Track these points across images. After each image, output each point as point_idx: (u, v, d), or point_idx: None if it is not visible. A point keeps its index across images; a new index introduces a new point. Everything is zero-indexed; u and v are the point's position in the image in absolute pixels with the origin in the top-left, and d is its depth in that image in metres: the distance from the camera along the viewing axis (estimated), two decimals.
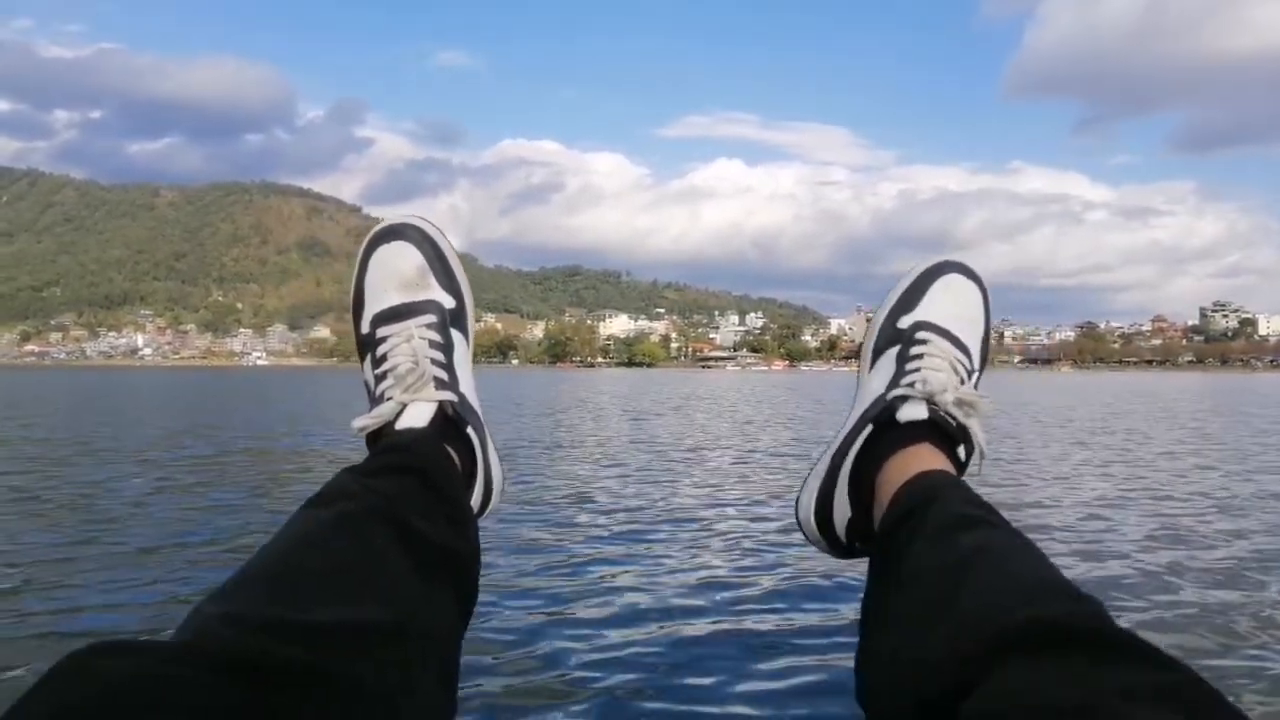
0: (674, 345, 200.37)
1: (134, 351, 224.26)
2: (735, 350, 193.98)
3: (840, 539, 0.84)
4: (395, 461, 0.72)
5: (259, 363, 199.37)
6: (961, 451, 0.81)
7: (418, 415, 0.81)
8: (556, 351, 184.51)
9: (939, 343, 0.86)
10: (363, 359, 0.88)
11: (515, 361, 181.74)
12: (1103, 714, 0.40)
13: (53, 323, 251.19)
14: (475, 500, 0.84)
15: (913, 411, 0.80)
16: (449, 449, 0.80)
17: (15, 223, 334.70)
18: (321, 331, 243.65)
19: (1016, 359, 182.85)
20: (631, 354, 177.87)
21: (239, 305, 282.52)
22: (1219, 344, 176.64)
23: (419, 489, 0.69)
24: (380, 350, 0.85)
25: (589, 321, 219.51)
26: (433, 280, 0.88)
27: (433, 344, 0.84)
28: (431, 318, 0.85)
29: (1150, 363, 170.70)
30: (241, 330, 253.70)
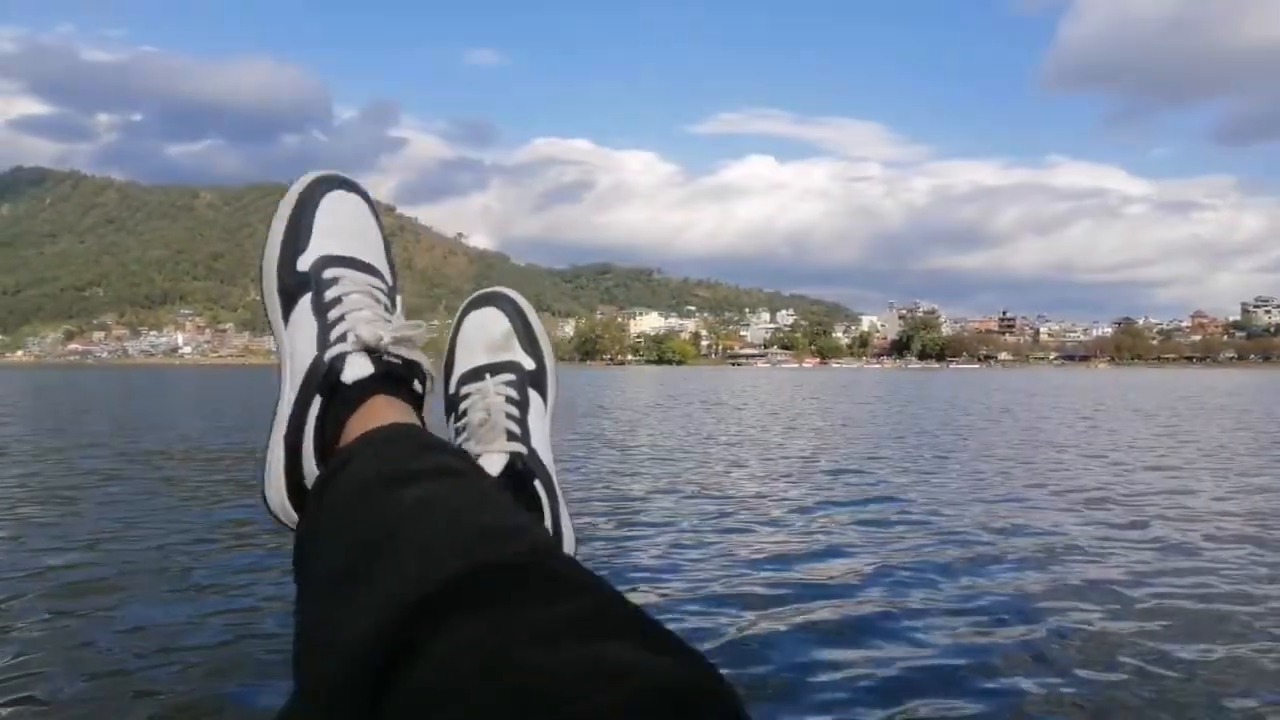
0: (704, 343, 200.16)
1: (174, 350, 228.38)
2: (766, 348, 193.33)
3: None
4: None
5: None
6: (418, 384, 0.78)
7: (488, 466, 0.82)
8: (587, 349, 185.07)
9: (351, 275, 0.80)
10: (448, 417, 0.92)
11: None
12: (511, 666, 0.39)
13: (95, 322, 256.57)
14: None
15: (358, 369, 0.73)
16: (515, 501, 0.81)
17: (59, 224, 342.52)
18: None
19: (1052, 355, 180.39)
20: (661, 351, 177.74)
21: None
22: (1261, 340, 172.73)
23: None
24: (462, 406, 0.90)
25: (619, 319, 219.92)
26: (516, 344, 0.92)
27: (509, 399, 0.86)
28: (510, 376, 0.89)
29: (1190, 359, 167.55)
30: None
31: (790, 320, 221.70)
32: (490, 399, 0.86)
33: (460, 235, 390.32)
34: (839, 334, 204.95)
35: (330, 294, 0.77)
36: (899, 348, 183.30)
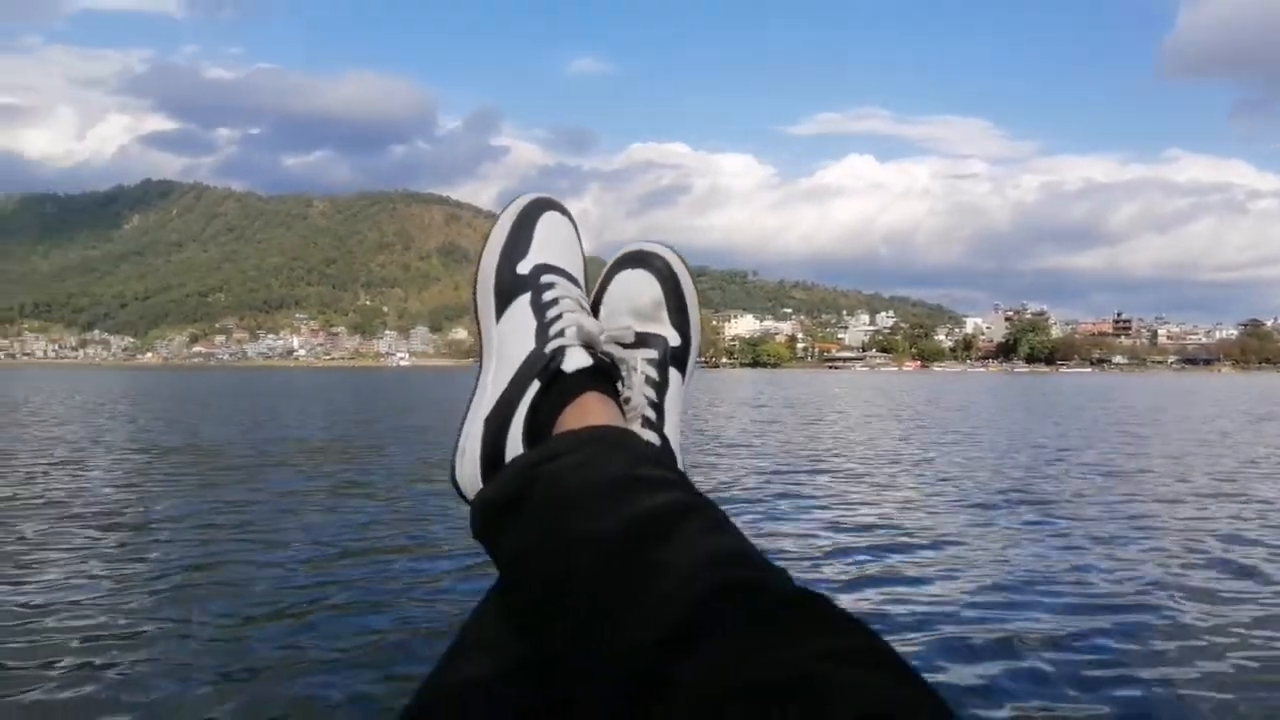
0: (800, 345, 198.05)
1: (290, 352, 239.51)
2: (864, 350, 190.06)
3: None
4: None
5: (401, 363, 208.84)
6: (621, 387, 0.82)
7: None
8: None
9: (565, 284, 0.84)
10: None
11: None
12: (816, 681, 0.41)
13: (217, 325, 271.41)
14: None
15: (578, 360, 0.77)
16: None
17: (184, 233, 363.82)
18: (460, 333, 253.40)
19: (1171, 359, 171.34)
20: (756, 354, 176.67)
21: (384, 308, 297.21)
22: None
23: None
24: None
25: (714, 322, 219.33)
26: (665, 315, 0.90)
27: (649, 380, 0.85)
28: (653, 353, 0.87)
29: None
30: (387, 332, 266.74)
31: (890, 322, 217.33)
32: (633, 377, 0.85)
33: None
34: (941, 336, 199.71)
35: (548, 295, 0.82)
36: (1005, 351, 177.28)
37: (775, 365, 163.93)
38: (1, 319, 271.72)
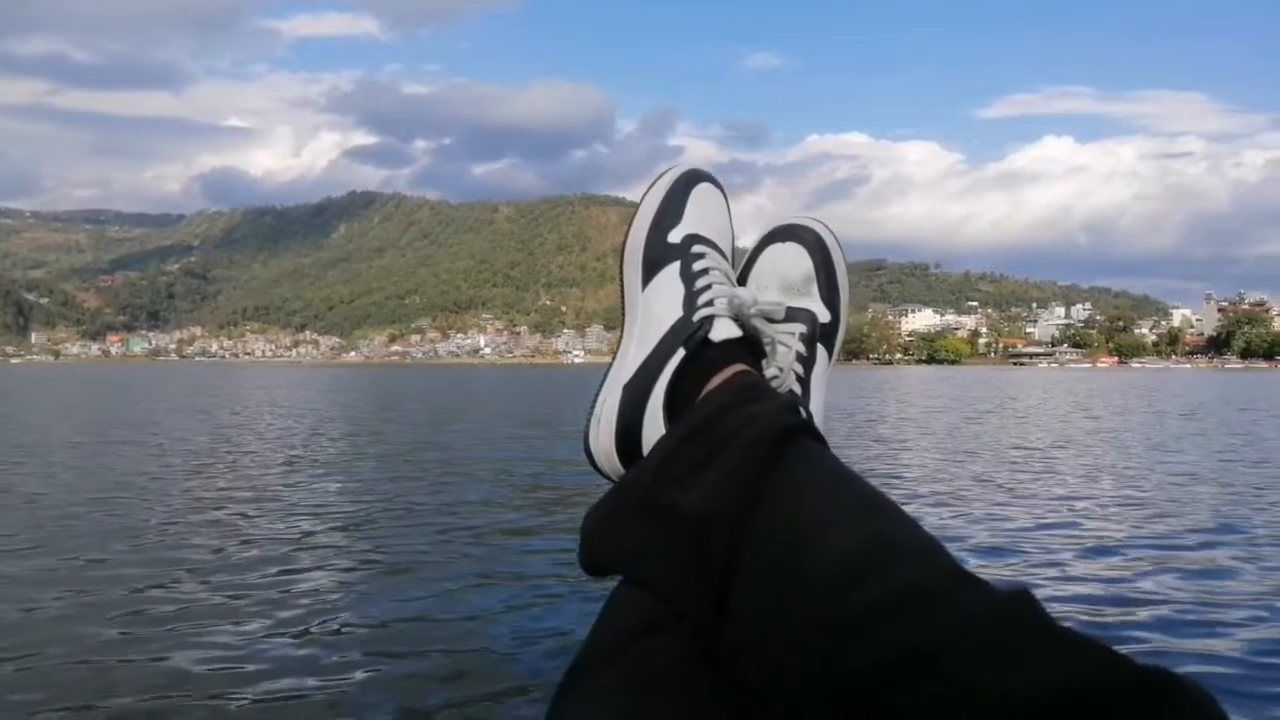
0: (983, 341, 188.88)
1: (476, 350, 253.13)
2: (1055, 345, 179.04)
3: None
4: None
5: (576, 360, 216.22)
6: (766, 362, 0.80)
7: None
8: (852, 349, 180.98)
9: (714, 256, 0.84)
10: None
11: None
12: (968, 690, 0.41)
13: (413, 326, 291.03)
14: None
15: (726, 330, 0.77)
16: None
17: (384, 240, 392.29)
18: None
19: None
20: (932, 350, 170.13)
21: (563, 308, 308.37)
22: None
23: None
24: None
25: (889, 317, 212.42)
26: (815, 290, 0.88)
27: (798, 356, 0.83)
28: (802, 328, 0.85)
29: None
30: (565, 330, 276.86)
31: (1086, 315, 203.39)
32: (780, 352, 0.82)
33: None
34: (1144, 330, 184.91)
35: (698, 265, 0.82)
36: (1216, 345, 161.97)
37: (954, 362, 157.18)
38: (228, 322, 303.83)
